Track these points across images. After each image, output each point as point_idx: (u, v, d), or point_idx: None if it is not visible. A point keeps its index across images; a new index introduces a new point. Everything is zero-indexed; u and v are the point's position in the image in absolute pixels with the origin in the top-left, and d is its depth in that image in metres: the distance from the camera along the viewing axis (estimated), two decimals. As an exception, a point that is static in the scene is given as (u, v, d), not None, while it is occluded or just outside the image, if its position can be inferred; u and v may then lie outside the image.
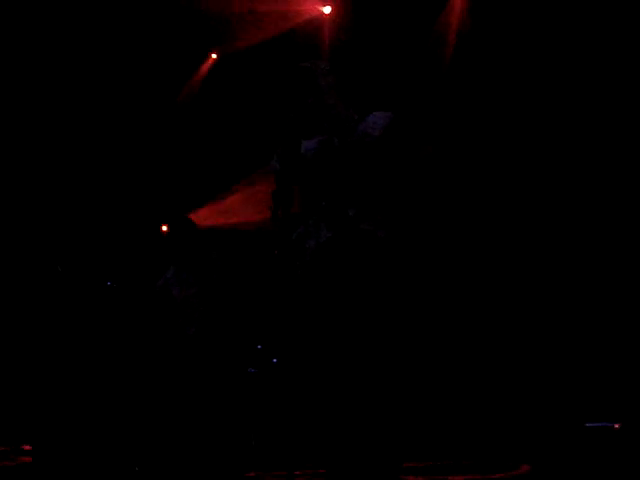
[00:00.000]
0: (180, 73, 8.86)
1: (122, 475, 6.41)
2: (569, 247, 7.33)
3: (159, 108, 8.81)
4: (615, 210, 7.30)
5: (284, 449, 5.68)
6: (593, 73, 7.32)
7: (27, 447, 7.28)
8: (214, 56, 9.16)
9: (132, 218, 8.98)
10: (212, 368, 6.63)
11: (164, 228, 8.77)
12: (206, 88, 9.00)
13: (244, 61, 8.72)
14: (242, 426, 6.65)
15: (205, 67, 9.10)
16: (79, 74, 8.55)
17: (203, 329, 7.30)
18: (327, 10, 8.13)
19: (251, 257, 7.54)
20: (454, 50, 7.68)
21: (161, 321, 7.36)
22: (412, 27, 7.77)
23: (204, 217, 8.52)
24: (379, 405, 3.74)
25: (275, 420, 6.56)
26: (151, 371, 7.71)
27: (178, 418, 6.99)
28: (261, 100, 8.09)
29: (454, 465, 6.17)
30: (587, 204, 7.41)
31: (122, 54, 8.56)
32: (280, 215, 4.29)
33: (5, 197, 8.39)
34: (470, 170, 7.88)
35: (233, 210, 8.50)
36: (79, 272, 8.17)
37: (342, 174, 4.04)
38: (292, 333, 4.09)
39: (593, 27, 7.26)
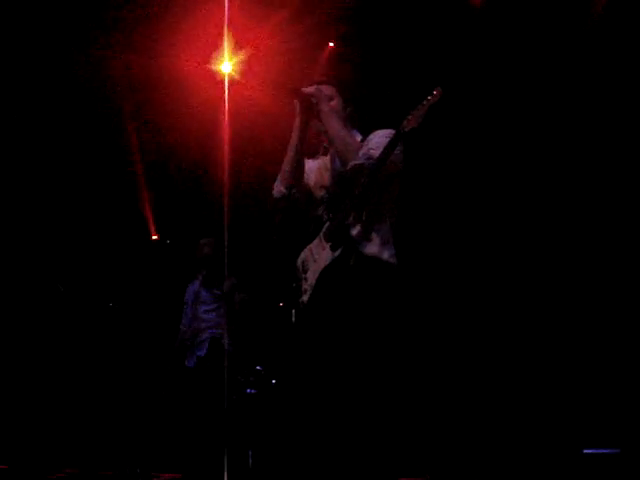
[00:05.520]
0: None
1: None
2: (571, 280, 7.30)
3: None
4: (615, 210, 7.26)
5: (282, 469, 5.69)
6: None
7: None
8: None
9: (135, 238, 9.00)
10: (211, 388, 6.63)
11: (154, 237, 8.77)
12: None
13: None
14: (240, 446, 6.65)
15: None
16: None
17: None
18: (330, 44, 8.26)
19: (253, 281, 7.55)
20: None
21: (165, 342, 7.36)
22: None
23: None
24: (376, 428, 3.74)
25: (273, 440, 6.56)
26: (150, 390, 7.71)
27: (175, 437, 7.00)
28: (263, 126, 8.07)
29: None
30: (586, 206, 7.39)
31: None
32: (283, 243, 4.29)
33: (6, 215, 8.38)
34: (476, 190, 7.88)
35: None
36: (81, 292, 8.19)
37: (344, 194, 4.05)
38: (292, 354, 4.09)
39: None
